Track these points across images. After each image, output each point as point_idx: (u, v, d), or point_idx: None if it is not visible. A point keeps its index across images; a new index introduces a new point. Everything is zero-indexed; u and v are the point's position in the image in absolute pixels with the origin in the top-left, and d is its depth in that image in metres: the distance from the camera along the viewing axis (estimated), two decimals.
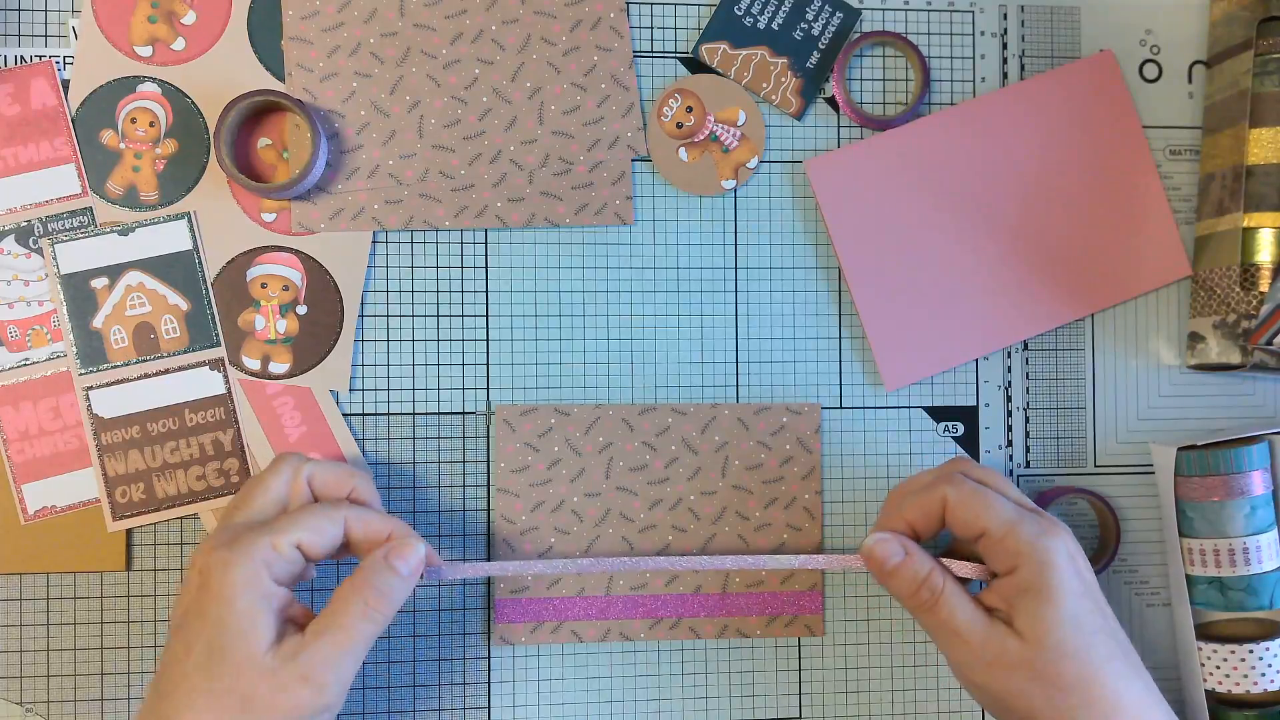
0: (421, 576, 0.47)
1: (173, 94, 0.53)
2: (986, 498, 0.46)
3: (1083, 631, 0.44)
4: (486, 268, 0.55)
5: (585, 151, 0.55)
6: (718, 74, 0.56)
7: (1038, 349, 0.58)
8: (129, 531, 0.52)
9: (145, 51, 0.53)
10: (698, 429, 0.55)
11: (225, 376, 0.53)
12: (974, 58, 0.58)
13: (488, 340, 0.55)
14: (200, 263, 0.53)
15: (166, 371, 0.52)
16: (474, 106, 0.54)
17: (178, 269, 0.53)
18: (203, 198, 0.53)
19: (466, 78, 0.54)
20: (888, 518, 0.49)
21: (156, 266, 0.52)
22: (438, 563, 0.48)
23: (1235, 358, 0.55)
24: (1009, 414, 0.57)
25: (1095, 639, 0.45)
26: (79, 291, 0.52)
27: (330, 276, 0.54)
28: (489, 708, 0.54)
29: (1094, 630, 0.45)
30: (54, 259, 0.52)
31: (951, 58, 0.58)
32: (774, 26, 0.56)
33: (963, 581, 0.48)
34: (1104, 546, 0.57)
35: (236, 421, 0.53)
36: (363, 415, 0.54)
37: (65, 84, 0.52)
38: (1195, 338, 0.57)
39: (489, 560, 0.54)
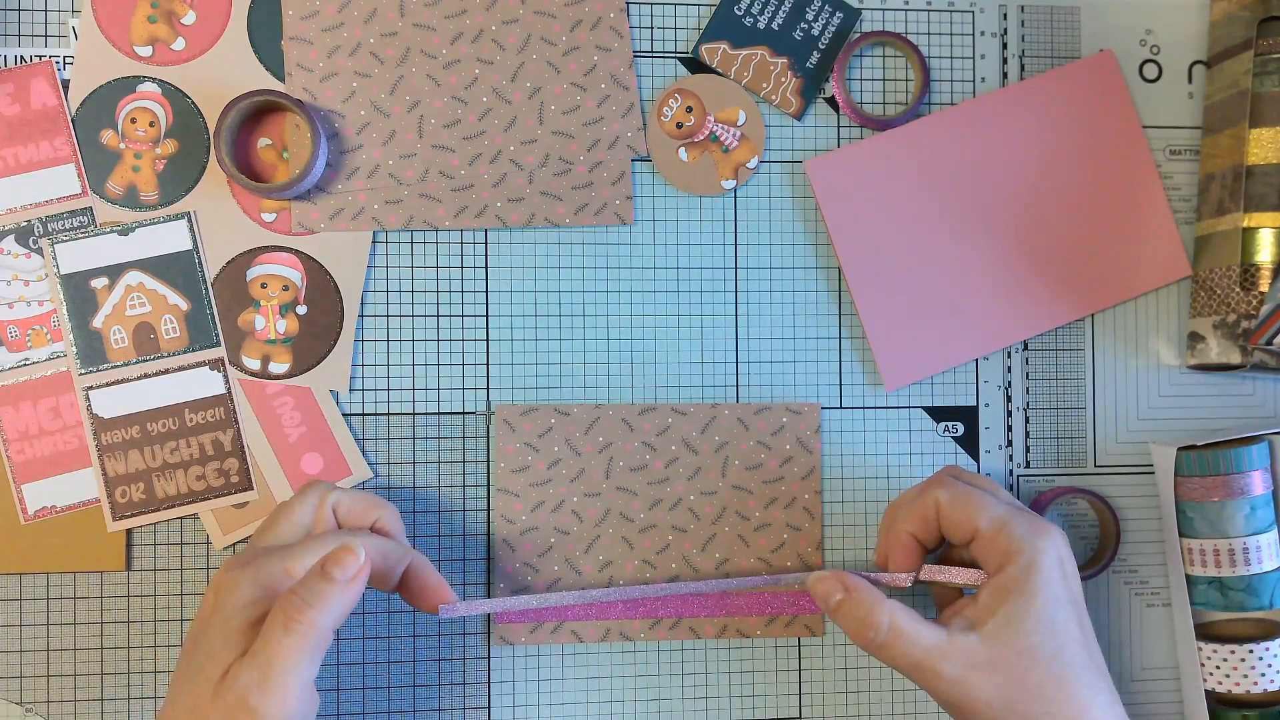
0: (425, 610, 0.47)
1: (173, 94, 0.53)
2: (977, 497, 0.46)
3: (1057, 637, 0.43)
4: (486, 268, 0.55)
5: (585, 151, 0.55)
6: (718, 74, 0.56)
7: (1038, 349, 0.58)
8: (129, 531, 0.52)
9: (145, 51, 0.53)
10: (698, 429, 0.55)
11: (225, 376, 0.53)
12: (974, 58, 0.58)
13: (488, 340, 0.55)
14: (200, 263, 0.53)
15: (166, 371, 0.52)
16: (474, 106, 0.54)
17: (178, 269, 0.53)
18: (203, 198, 0.53)
19: (466, 78, 0.54)
20: (887, 533, 0.49)
21: (156, 266, 0.52)
22: (451, 598, 0.48)
23: (1235, 358, 0.55)
24: (1009, 414, 0.57)
25: (1069, 647, 0.44)
26: (79, 291, 0.52)
27: (330, 276, 0.54)
28: (489, 708, 0.54)
29: (1069, 638, 0.44)
30: (54, 259, 0.52)
31: (951, 58, 0.58)
32: (774, 26, 0.56)
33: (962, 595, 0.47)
34: (1104, 546, 0.57)
35: (236, 421, 0.53)
36: (363, 415, 0.54)
37: (65, 84, 0.52)
38: (1195, 338, 0.57)
39: (490, 559, 0.54)
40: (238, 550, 0.53)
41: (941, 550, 0.50)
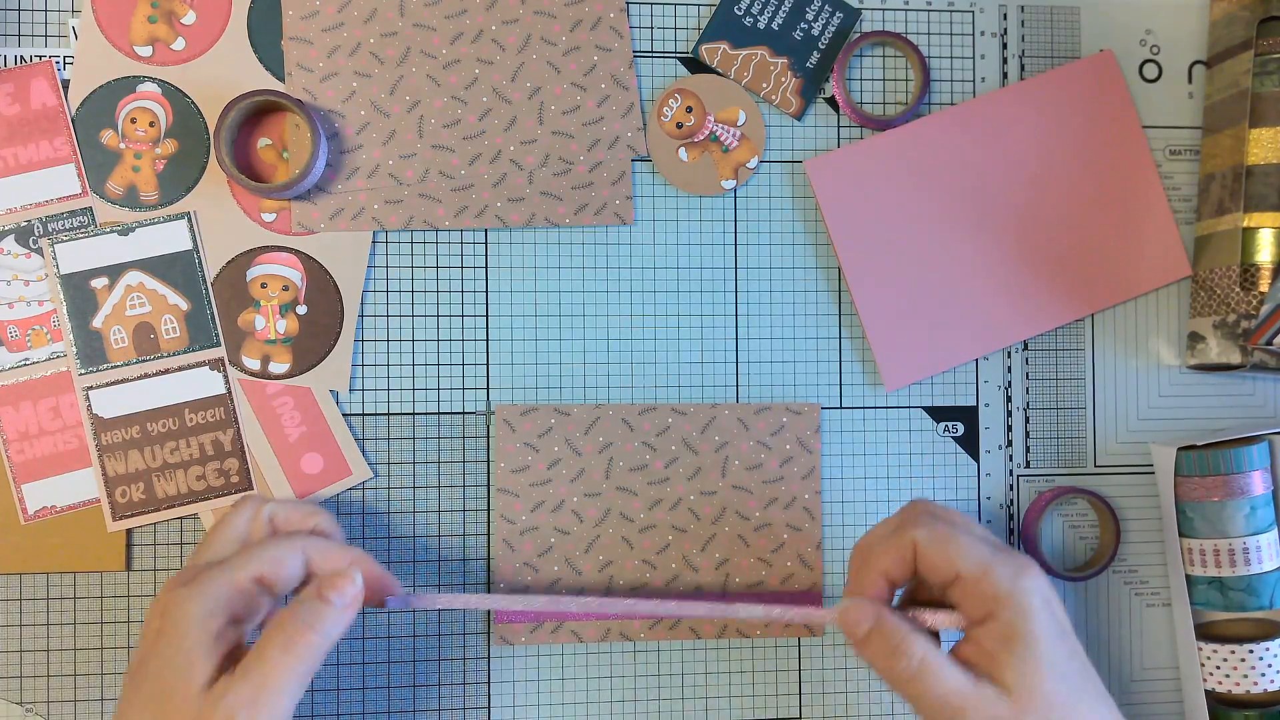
0: (372, 605, 0.46)
1: (173, 94, 0.53)
2: (957, 538, 0.44)
3: (1067, 680, 0.42)
4: (486, 268, 0.55)
5: (585, 151, 0.55)
6: (718, 74, 0.56)
7: (1038, 349, 0.58)
8: (129, 531, 0.52)
9: (145, 51, 0.53)
10: (698, 429, 0.55)
11: (225, 376, 0.53)
12: (974, 58, 0.58)
13: (488, 340, 0.55)
14: (200, 263, 0.53)
15: (166, 371, 0.52)
16: (474, 106, 0.54)
17: (178, 269, 0.53)
18: (203, 198, 0.53)
19: (466, 78, 0.54)
20: (858, 571, 0.47)
21: (156, 266, 0.52)
22: (398, 592, 0.47)
23: (1235, 358, 0.55)
24: (1009, 414, 0.57)
25: (1080, 686, 0.43)
26: (79, 291, 0.52)
27: (330, 276, 0.54)
28: (489, 708, 0.54)
29: (1076, 675, 0.43)
30: (54, 259, 0.52)
31: (951, 58, 0.58)
32: (774, 26, 0.56)
33: (936, 637, 0.45)
34: (1104, 546, 0.57)
35: (236, 421, 0.53)
36: (363, 415, 0.54)
37: (65, 84, 0.52)
38: (1195, 338, 0.57)
39: (489, 559, 0.54)
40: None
41: (910, 586, 0.48)
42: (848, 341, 0.57)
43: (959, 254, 0.56)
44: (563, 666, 0.54)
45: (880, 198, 0.56)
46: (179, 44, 0.53)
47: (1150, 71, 0.59)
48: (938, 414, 0.57)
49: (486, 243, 0.55)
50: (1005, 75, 0.58)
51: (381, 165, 0.54)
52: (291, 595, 0.45)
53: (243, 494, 0.49)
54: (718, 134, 0.56)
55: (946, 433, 0.57)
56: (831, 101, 0.57)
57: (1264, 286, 0.54)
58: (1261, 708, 0.54)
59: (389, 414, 0.54)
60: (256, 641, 0.42)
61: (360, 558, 0.46)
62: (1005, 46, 0.58)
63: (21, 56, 0.52)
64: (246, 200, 0.53)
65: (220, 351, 0.53)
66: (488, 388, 0.55)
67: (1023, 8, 0.58)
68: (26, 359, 0.52)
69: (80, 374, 0.52)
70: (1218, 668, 0.54)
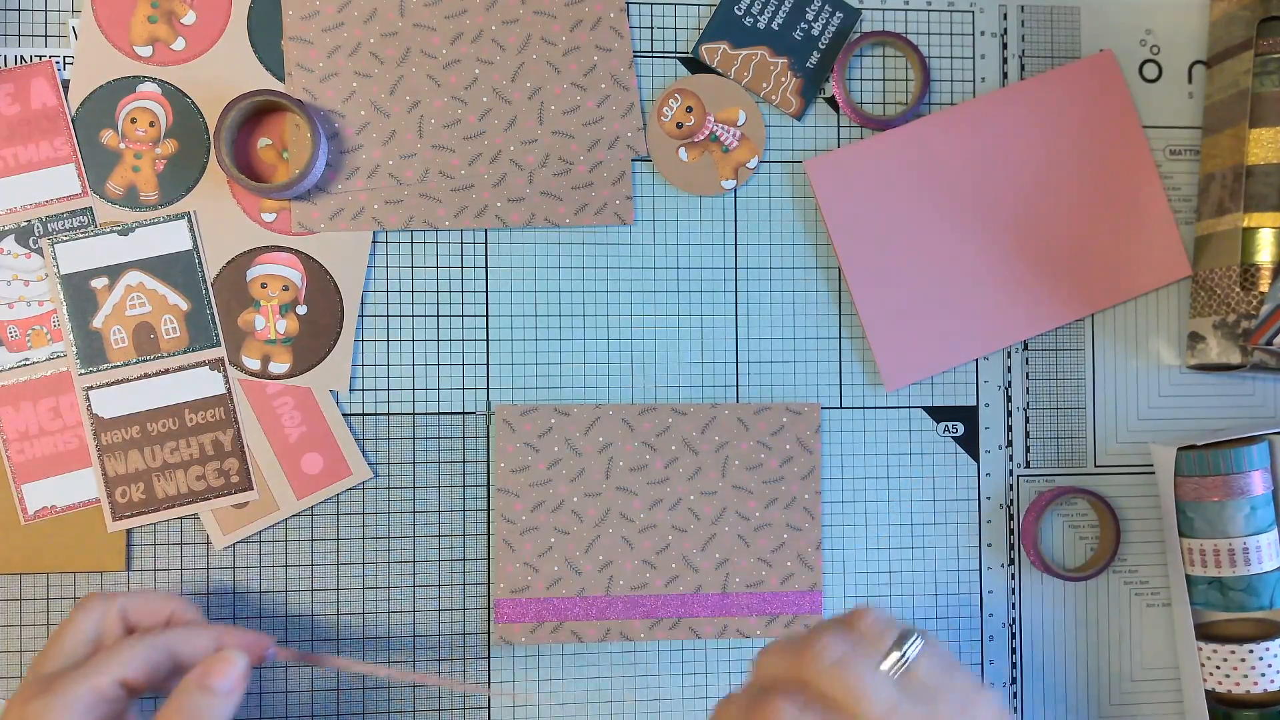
0: (262, 662, 0.44)
1: (173, 94, 0.53)
2: None
3: None
4: (486, 268, 0.55)
5: (585, 151, 0.55)
6: (718, 74, 0.56)
7: (1038, 349, 0.58)
8: (129, 531, 0.52)
9: (145, 51, 0.53)
10: (698, 429, 0.55)
11: (225, 376, 0.53)
12: (974, 58, 0.58)
13: (488, 340, 0.55)
14: (200, 263, 0.53)
15: (166, 371, 0.52)
16: (474, 106, 0.54)
17: (178, 269, 0.53)
18: (203, 198, 0.53)
19: (466, 78, 0.54)
20: (717, 711, 0.41)
21: (156, 266, 0.52)
22: (271, 646, 0.45)
23: (1235, 358, 0.55)
24: (1009, 414, 0.57)
25: None
26: (79, 291, 0.52)
27: (330, 276, 0.54)
28: (489, 708, 0.54)
29: None
30: (54, 259, 0.52)
31: (951, 58, 0.58)
32: (774, 26, 0.56)
33: None
34: (1104, 546, 0.57)
35: (236, 421, 0.53)
36: (363, 415, 0.54)
37: (65, 84, 0.52)
38: (1195, 338, 0.57)
39: (489, 559, 0.54)
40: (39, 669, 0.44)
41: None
42: (848, 341, 0.57)
43: (959, 254, 0.56)
44: (563, 666, 0.54)
45: (880, 198, 0.56)
46: (179, 44, 0.53)
47: (1150, 71, 0.59)
48: (938, 414, 0.57)
49: (486, 243, 0.55)
50: (1005, 75, 0.58)
51: (381, 165, 0.54)
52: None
53: (86, 595, 0.47)
54: (718, 134, 0.56)
55: (946, 433, 0.57)
56: (831, 101, 0.57)
57: (1264, 286, 0.54)
58: (1261, 708, 0.54)
59: (389, 414, 0.54)
60: None
61: (224, 632, 0.45)
62: (1005, 46, 0.58)
63: (21, 56, 0.52)
64: (246, 200, 0.53)
65: (220, 351, 0.53)
66: (488, 388, 0.55)
67: (1023, 8, 0.58)
68: (26, 359, 0.52)
69: (80, 374, 0.52)
70: (1218, 668, 0.54)
